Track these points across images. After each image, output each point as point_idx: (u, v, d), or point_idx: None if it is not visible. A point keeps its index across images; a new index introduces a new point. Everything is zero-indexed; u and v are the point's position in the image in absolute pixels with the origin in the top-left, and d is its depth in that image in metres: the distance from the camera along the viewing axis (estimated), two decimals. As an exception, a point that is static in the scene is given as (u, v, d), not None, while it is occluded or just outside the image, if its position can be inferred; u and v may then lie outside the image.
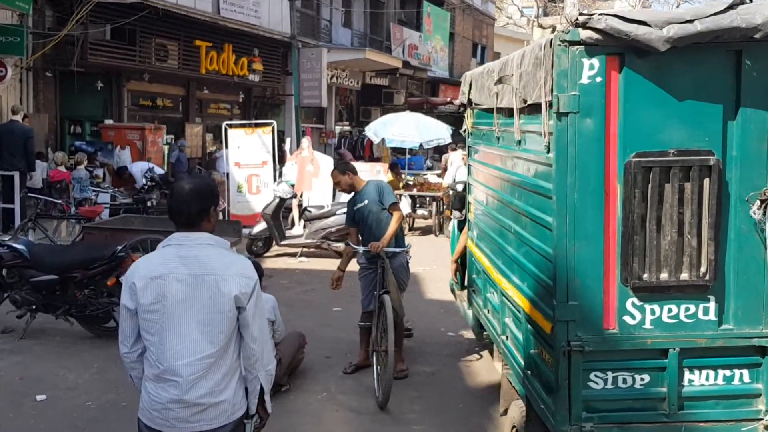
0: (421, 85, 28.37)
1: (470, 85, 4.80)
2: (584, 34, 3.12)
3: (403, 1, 26.93)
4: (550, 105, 3.20)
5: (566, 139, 3.18)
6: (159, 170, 12.91)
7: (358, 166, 13.95)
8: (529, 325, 3.73)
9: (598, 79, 3.15)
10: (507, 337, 4.25)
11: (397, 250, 5.65)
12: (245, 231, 12.72)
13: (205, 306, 2.56)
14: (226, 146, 13.24)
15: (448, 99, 27.24)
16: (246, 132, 13.40)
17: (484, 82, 4.38)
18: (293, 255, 10.90)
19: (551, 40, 3.18)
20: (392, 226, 5.52)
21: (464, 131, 5.27)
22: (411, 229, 13.71)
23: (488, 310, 4.77)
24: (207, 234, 2.67)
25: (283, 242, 10.69)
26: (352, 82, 23.15)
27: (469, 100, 4.88)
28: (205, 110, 18.08)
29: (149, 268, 2.61)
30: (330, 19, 22.23)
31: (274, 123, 13.56)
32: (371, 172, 13.36)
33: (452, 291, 6.40)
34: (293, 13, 17.58)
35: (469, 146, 5.01)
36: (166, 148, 14.68)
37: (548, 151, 3.32)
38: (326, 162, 13.45)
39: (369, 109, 24.91)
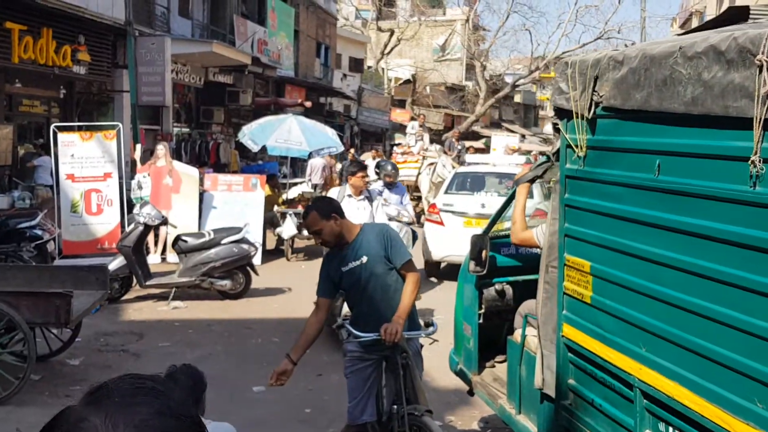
0: (267, 85, 26.08)
1: (596, 77, 2.89)
2: None
3: (246, -9, 24.49)
4: None
5: None
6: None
7: (218, 178, 11.73)
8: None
9: None
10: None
11: (422, 333, 3.65)
12: (83, 262, 9.95)
13: None
14: (55, 153, 10.30)
15: (299, 100, 25.31)
16: (82, 136, 10.52)
17: (665, 72, 2.54)
18: (162, 297, 8.39)
19: None
20: (409, 297, 3.55)
21: (554, 153, 3.38)
22: (294, 251, 11.60)
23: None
24: None
25: (149, 283, 8.16)
26: (194, 78, 20.37)
27: (593, 103, 2.94)
28: (16, 108, 14.56)
29: None
30: (167, 6, 19.30)
31: (120, 126, 10.80)
32: (245, 186, 11.07)
33: (459, 374, 4.47)
34: (128, -7, 14.68)
35: (569, 177, 3.08)
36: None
37: None
38: (189, 174, 10.95)
39: (211, 110, 22.21)
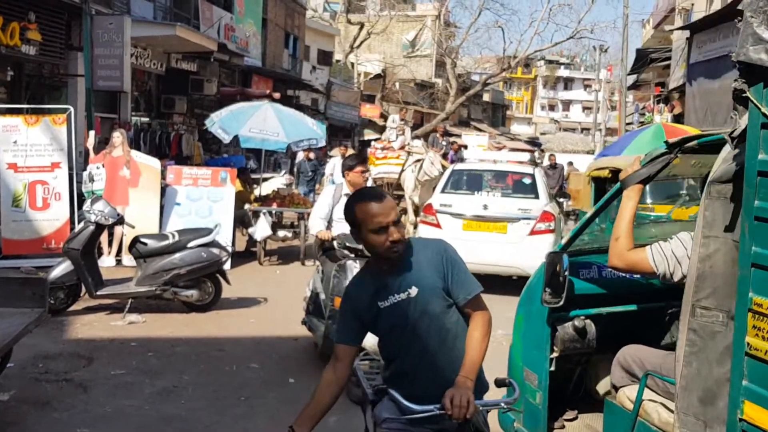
0: (233, 75, 24.80)
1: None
2: None
3: (212, -26, 23.14)
4: None
5: None
6: None
7: (182, 170, 10.47)
8: None
9: None
10: None
11: (502, 403, 2.54)
12: (26, 263, 8.68)
13: None
14: (-6, 140, 9.00)
15: (267, 91, 24.05)
16: (27, 121, 9.22)
17: None
18: (116, 309, 7.18)
19: None
20: (479, 347, 2.46)
21: (734, 136, 2.35)
22: (267, 254, 10.44)
23: None
24: None
25: (100, 292, 6.95)
26: (155, 64, 19.00)
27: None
28: (-45, 89, 13.13)
29: None
30: (128, -15, 17.88)
31: (71, 109, 9.52)
32: (214, 180, 9.89)
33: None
34: (84, -32, 13.30)
35: (764, 173, 2.01)
36: None
37: None
38: (150, 165, 9.72)
39: (173, 98, 20.80)
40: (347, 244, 5.33)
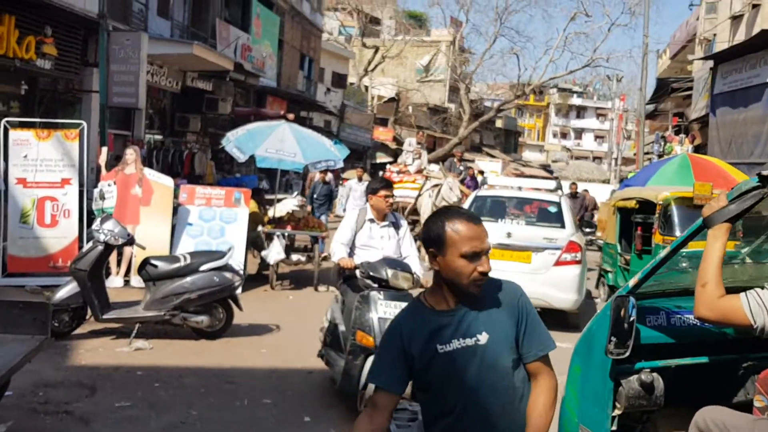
0: (247, 95, 24.71)
1: None
2: None
3: (230, -4, 23.15)
4: None
5: None
6: None
7: (195, 190, 10.16)
8: None
9: None
10: None
11: None
12: (31, 282, 8.38)
13: None
14: (4, 153, 8.76)
15: (282, 112, 23.95)
16: (38, 135, 8.98)
17: None
18: (122, 334, 6.84)
19: None
20: (546, 415, 2.13)
21: None
22: (279, 277, 10.11)
23: None
24: None
25: (107, 316, 6.63)
26: (170, 82, 18.88)
27: None
28: (-32, 102, 12.95)
29: None
30: (146, 3, 17.80)
31: (84, 124, 9.29)
32: (227, 200, 9.60)
33: None
34: (103, -17, 13.21)
35: None
36: None
37: None
38: (163, 183, 9.46)
39: (187, 117, 20.69)
40: (371, 274, 5.00)
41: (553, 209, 9.11)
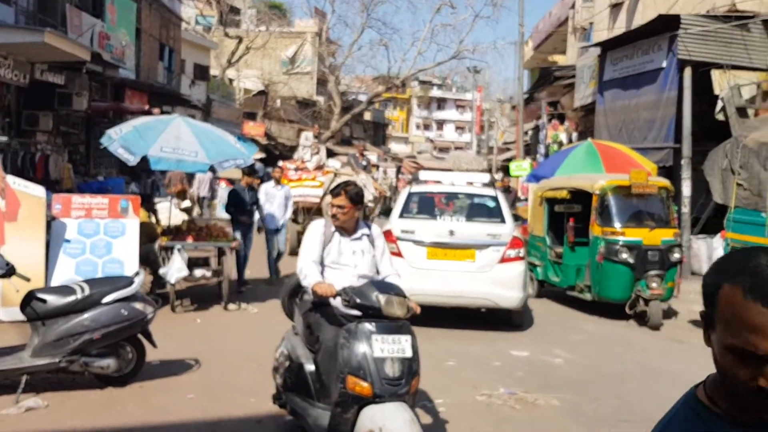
0: (104, 89, 22.35)
1: None
2: None
3: (81, -22, 20.73)
4: None
5: None
6: None
7: (71, 199, 8.50)
8: None
9: None
10: None
11: None
12: None
13: None
14: None
15: (146, 107, 21.84)
16: None
17: None
18: (4, 389, 5.29)
19: None
20: None
21: None
22: (180, 296, 8.70)
23: None
24: None
25: (-20, 371, 5.06)
26: (16, 75, 16.41)
27: None
28: None
29: None
30: (-18, -17, 15.33)
31: None
32: (112, 210, 8.06)
33: None
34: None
35: None
36: None
37: None
38: (32, 194, 7.77)
39: (36, 115, 18.23)
40: (359, 301, 3.95)
41: (491, 204, 8.44)
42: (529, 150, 25.04)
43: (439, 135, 74.24)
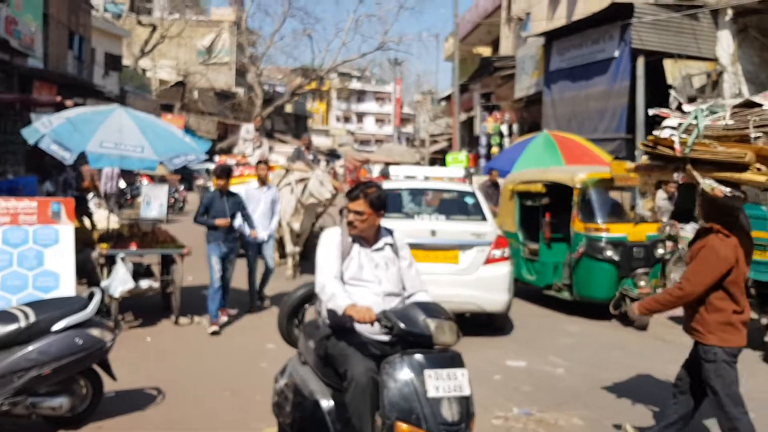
0: (9, 79, 20.45)
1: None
2: None
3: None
4: None
5: None
6: None
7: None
8: None
9: None
10: None
11: None
12: None
13: None
14: None
15: (58, 98, 20.11)
16: None
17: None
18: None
19: None
20: None
21: None
22: (120, 310, 7.66)
23: None
24: None
25: None
26: None
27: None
28: None
29: None
30: None
31: None
32: (42, 215, 6.96)
33: None
34: None
35: None
36: None
37: None
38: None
39: (-67, 108, 16.40)
40: (403, 327, 3.23)
41: (470, 200, 7.84)
42: (463, 141, 24.75)
43: (360, 128, 73.67)
